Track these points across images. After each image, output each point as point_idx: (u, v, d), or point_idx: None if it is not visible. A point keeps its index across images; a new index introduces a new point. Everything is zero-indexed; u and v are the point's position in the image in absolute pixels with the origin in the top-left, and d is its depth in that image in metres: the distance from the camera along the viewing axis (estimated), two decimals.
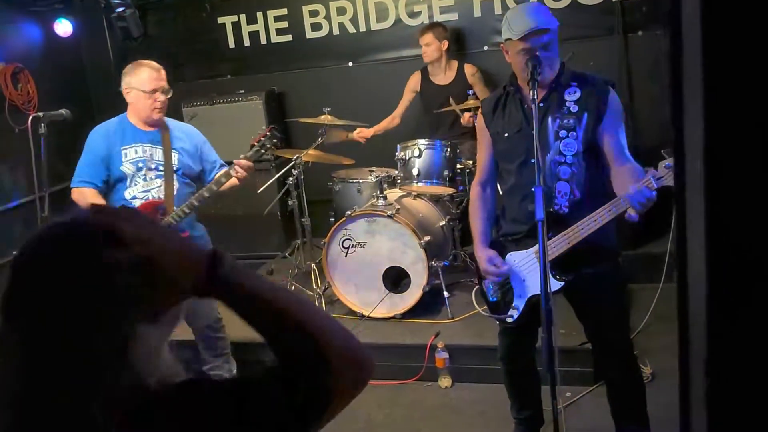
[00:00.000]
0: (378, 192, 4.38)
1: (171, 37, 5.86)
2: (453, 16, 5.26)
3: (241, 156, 3.36)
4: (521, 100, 2.68)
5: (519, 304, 2.74)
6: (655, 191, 2.30)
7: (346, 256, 4.29)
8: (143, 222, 0.98)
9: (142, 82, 3.25)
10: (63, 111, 3.46)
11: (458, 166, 4.41)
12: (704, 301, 0.62)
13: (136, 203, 3.29)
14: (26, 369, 0.93)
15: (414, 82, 5.09)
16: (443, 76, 4.96)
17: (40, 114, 3.38)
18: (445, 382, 3.83)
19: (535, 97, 2.43)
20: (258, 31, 5.68)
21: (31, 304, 0.93)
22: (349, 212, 4.25)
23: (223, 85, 5.80)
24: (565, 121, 2.59)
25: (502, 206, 2.86)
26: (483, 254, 2.77)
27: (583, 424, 3.26)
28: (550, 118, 2.62)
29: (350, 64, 5.59)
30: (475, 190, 2.88)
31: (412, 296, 4.19)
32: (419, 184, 4.38)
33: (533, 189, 2.30)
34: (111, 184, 3.31)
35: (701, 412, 0.65)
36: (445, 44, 4.88)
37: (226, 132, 4.94)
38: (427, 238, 4.12)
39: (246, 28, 5.70)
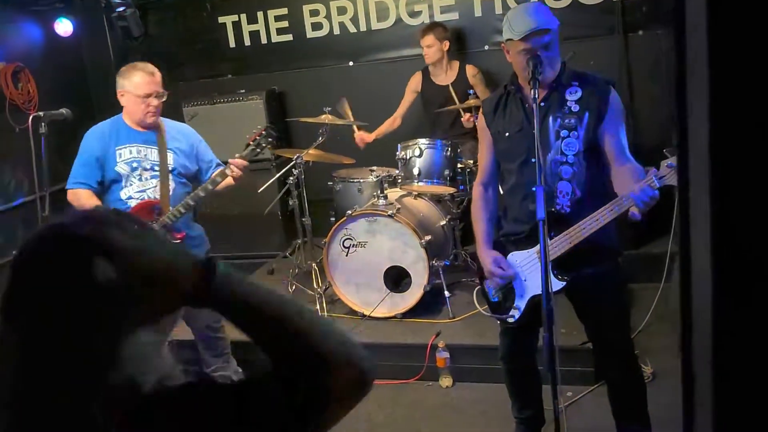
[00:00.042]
0: (379, 191, 4.38)
1: (171, 36, 5.86)
2: (453, 16, 5.25)
3: (237, 155, 3.36)
4: (522, 99, 2.68)
5: (520, 304, 2.74)
6: (657, 190, 2.30)
7: (346, 255, 4.28)
8: (135, 227, 0.98)
9: (136, 86, 3.24)
10: (63, 110, 3.46)
11: (459, 165, 4.40)
12: (709, 300, 0.62)
13: (132, 203, 3.28)
14: (26, 369, 0.93)
15: (415, 82, 5.08)
16: (444, 76, 4.95)
17: (41, 113, 3.37)
18: (446, 381, 3.82)
19: (536, 96, 2.43)
20: (258, 31, 5.68)
21: (31, 303, 0.93)
22: (349, 212, 4.25)
23: (224, 84, 5.80)
24: (566, 120, 2.59)
25: (504, 206, 2.86)
26: (488, 256, 2.76)
27: (584, 424, 3.26)
28: (551, 118, 2.62)
29: (351, 63, 5.59)
30: (477, 190, 2.88)
31: (412, 296, 4.19)
32: (420, 183, 4.37)
33: (534, 188, 2.30)
34: (106, 184, 3.31)
35: (706, 412, 0.64)
36: (447, 44, 4.87)
37: (226, 131, 4.94)
38: (428, 237, 4.12)
39: (246, 28, 5.70)
